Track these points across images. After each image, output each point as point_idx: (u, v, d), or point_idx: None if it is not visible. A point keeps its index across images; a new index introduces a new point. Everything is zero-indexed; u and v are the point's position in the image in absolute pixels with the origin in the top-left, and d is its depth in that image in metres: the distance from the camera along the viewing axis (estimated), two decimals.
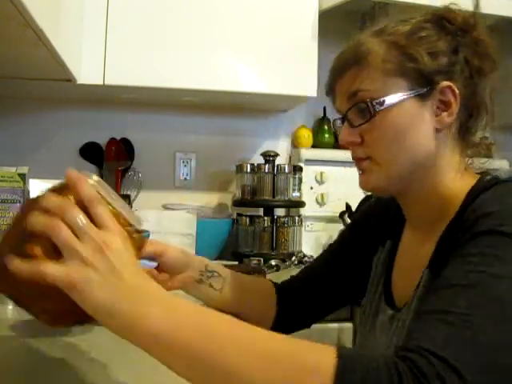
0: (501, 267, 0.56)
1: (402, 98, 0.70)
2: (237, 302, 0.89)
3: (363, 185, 0.77)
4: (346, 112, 0.74)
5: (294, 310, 0.93)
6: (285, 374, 0.49)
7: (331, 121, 2.05)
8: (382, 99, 0.70)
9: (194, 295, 0.87)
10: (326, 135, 2.05)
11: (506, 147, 2.13)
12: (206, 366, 0.49)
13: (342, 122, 0.76)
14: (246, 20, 1.68)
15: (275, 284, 0.96)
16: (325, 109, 2.06)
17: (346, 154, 1.95)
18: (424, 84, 0.70)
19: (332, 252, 0.96)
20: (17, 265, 0.51)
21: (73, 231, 0.52)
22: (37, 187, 1.46)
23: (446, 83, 0.70)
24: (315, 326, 0.95)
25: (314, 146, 2.05)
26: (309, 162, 1.99)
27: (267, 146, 2.03)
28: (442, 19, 0.73)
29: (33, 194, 1.44)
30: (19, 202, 1.32)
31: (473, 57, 0.72)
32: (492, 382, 0.50)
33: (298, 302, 0.94)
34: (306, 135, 2.04)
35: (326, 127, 2.06)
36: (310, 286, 0.94)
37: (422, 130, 0.71)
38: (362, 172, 0.76)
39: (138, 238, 0.61)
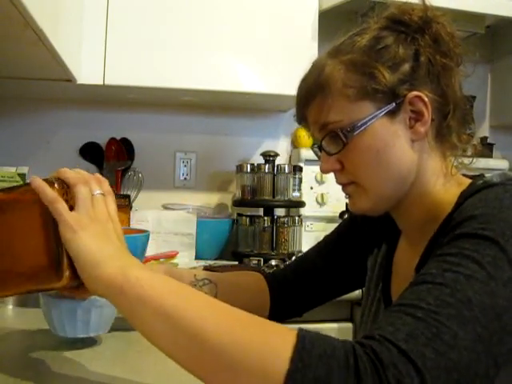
0: (476, 270, 0.55)
1: (371, 120, 0.69)
2: (232, 304, 0.89)
3: (353, 208, 0.76)
4: (320, 142, 0.73)
5: (286, 300, 0.94)
6: (250, 335, 0.51)
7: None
8: (351, 126, 0.69)
9: None
10: None
11: (506, 147, 2.14)
12: (178, 322, 0.53)
13: (320, 151, 0.75)
14: (246, 20, 1.68)
15: (266, 276, 0.96)
16: None
17: None
18: (390, 100, 0.68)
19: (327, 244, 0.97)
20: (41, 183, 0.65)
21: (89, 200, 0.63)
22: None
23: (413, 93, 0.68)
24: (315, 326, 0.95)
25: None
26: (309, 161, 1.98)
27: (267, 146, 2.03)
28: (399, 24, 0.71)
29: None
30: None
31: (435, 55, 0.69)
32: (452, 381, 0.50)
33: (290, 293, 0.94)
34: (306, 135, 2.03)
35: None
36: (303, 277, 0.95)
37: (399, 146, 0.69)
38: (349, 196, 0.75)
39: None
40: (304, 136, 2.03)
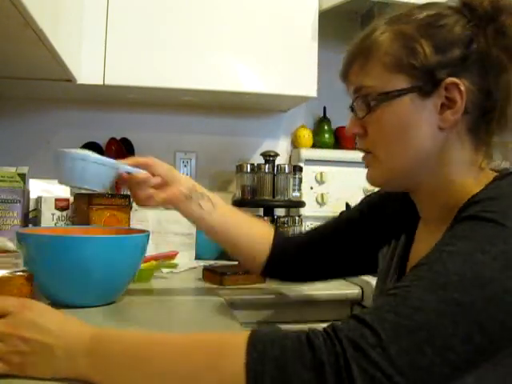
0: (462, 246, 0.55)
1: (401, 93, 0.68)
2: (225, 234, 0.98)
3: (368, 180, 0.77)
4: (352, 103, 0.74)
5: (285, 263, 0.99)
6: (205, 359, 0.54)
7: (331, 121, 2.06)
8: (381, 94, 0.69)
9: (183, 213, 0.96)
10: (326, 135, 2.05)
11: None
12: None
13: (352, 111, 0.76)
14: (246, 20, 1.68)
15: (277, 232, 1.01)
16: (325, 109, 2.06)
17: (346, 154, 1.96)
18: (426, 80, 0.67)
19: (346, 221, 0.98)
20: None
21: None
22: (37, 187, 1.47)
23: (450, 80, 0.66)
24: (315, 326, 0.95)
25: (313, 146, 2.05)
26: (309, 161, 1.98)
27: (267, 146, 2.03)
28: (467, 6, 0.69)
29: (33, 194, 1.44)
30: (19, 201, 1.33)
31: (492, 48, 0.67)
32: (417, 341, 0.49)
33: (292, 256, 0.99)
34: (306, 135, 2.04)
35: (325, 127, 2.06)
36: (312, 246, 0.98)
37: (423, 128, 0.68)
38: (367, 167, 0.77)
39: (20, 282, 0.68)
40: (304, 136, 2.03)
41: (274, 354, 0.50)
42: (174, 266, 1.40)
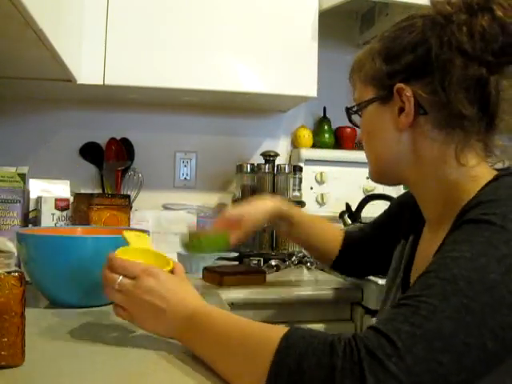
0: (466, 250, 0.56)
1: (366, 103, 0.79)
2: (302, 242, 1.27)
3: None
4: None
5: (350, 259, 1.19)
6: (237, 354, 0.61)
7: (331, 121, 2.06)
8: (357, 105, 0.81)
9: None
10: (326, 135, 2.05)
11: None
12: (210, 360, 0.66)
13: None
14: (246, 20, 1.68)
15: (345, 233, 1.22)
16: (325, 109, 2.06)
17: (345, 154, 1.97)
18: (383, 89, 0.76)
19: (384, 219, 1.13)
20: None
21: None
22: (37, 187, 1.46)
23: (398, 86, 0.73)
24: (315, 326, 0.95)
25: (314, 146, 2.05)
26: (309, 161, 1.99)
27: (267, 145, 2.03)
28: (436, 14, 0.70)
29: (33, 194, 1.44)
30: (19, 201, 1.32)
31: (441, 49, 0.68)
32: (432, 350, 0.50)
33: (355, 254, 1.18)
34: (306, 135, 2.04)
35: (326, 127, 2.06)
36: (364, 243, 1.16)
37: (388, 131, 0.77)
38: None
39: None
40: (304, 136, 2.03)
41: (299, 348, 0.53)
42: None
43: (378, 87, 0.77)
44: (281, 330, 0.57)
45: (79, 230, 1.14)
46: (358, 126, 0.86)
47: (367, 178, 2.00)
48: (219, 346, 0.65)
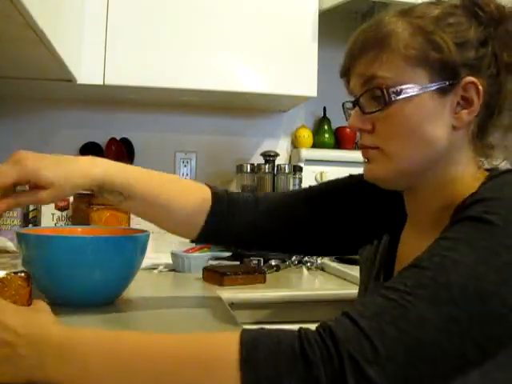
0: (466, 254, 0.54)
1: (421, 90, 0.65)
2: (145, 216, 0.87)
3: (368, 174, 0.72)
4: (359, 96, 0.69)
5: (230, 219, 0.87)
6: (192, 375, 0.50)
7: (331, 121, 2.06)
8: (399, 88, 0.65)
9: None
10: (326, 135, 2.05)
11: None
12: None
13: (353, 106, 0.71)
14: (245, 20, 1.68)
15: (214, 194, 0.88)
16: (325, 109, 2.06)
17: (345, 154, 1.95)
18: (447, 77, 0.65)
19: (331, 191, 0.90)
20: None
21: None
22: None
23: (470, 79, 0.65)
24: (314, 327, 0.94)
25: (314, 146, 2.05)
26: (309, 161, 1.98)
27: (267, 145, 2.03)
28: (475, 5, 0.67)
29: None
30: None
31: (502, 51, 0.66)
32: (412, 360, 0.49)
33: (241, 215, 0.88)
34: (306, 135, 2.04)
35: (326, 127, 2.06)
36: (277, 216, 0.88)
37: (439, 127, 0.66)
38: (368, 161, 0.71)
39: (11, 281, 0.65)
40: (304, 136, 2.03)
41: (269, 376, 0.48)
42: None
43: (438, 73, 0.65)
44: (227, 350, 0.50)
45: (79, 230, 1.14)
46: (366, 112, 0.69)
47: None
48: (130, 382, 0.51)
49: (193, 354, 0.52)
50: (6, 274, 0.63)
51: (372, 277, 0.82)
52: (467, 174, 0.69)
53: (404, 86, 0.65)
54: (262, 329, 0.53)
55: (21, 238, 0.96)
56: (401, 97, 0.65)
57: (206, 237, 0.90)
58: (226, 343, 0.51)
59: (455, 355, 0.51)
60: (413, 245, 0.75)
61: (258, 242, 0.91)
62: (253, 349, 0.50)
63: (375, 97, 0.67)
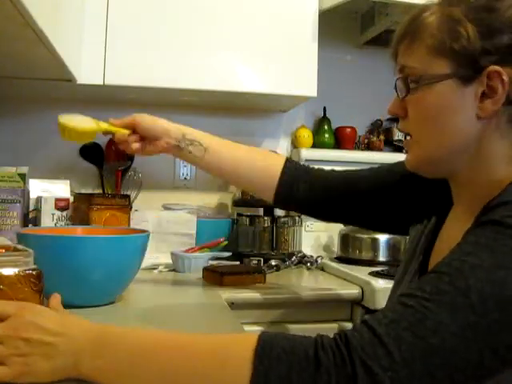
0: (486, 259, 0.53)
1: (442, 78, 0.66)
2: (223, 173, 1.04)
3: (406, 163, 0.75)
4: (395, 82, 0.73)
5: (298, 197, 1.01)
6: (209, 369, 0.53)
7: (331, 121, 2.06)
8: (421, 77, 0.68)
9: (181, 159, 1.08)
10: (326, 135, 2.05)
11: None
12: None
13: (395, 89, 0.74)
14: (245, 20, 1.68)
15: (288, 163, 1.03)
16: (325, 109, 2.06)
17: (345, 154, 1.96)
18: (468, 66, 0.65)
19: (386, 174, 0.97)
20: None
21: None
22: (37, 187, 1.47)
23: (493, 68, 0.64)
24: (315, 327, 0.94)
25: (314, 146, 2.05)
26: (309, 162, 1.97)
27: (267, 145, 2.03)
28: None
29: (33, 194, 1.44)
30: (19, 201, 1.33)
31: None
32: (429, 366, 0.49)
33: (315, 192, 1.00)
34: (306, 135, 2.04)
35: (326, 127, 2.06)
36: (342, 187, 0.98)
37: (461, 115, 0.66)
38: (407, 151, 0.75)
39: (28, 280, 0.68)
40: (304, 136, 2.03)
41: (280, 373, 0.49)
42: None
43: (460, 62, 0.65)
44: (243, 346, 0.52)
45: (79, 230, 1.14)
46: (399, 97, 0.72)
47: None
48: (152, 374, 0.55)
49: (212, 349, 0.55)
50: (19, 271, 0.64)
51: (415, 255, 0.82)
52: (501, 168, 0.68)
53: (425, 75, 0.68)
54: (281, 332, 0.54)
55: (21, 239, 0.96)
56: (423, 84, 0.68)
57: (281, 193, 1.01)
58: (244, 341, 0.53)
59: (472, 362, 0.50)
60: (452, 230, 0.75)
61: (319, 211, 1.03)
62: (268, 347, 0.51)
63: (405, 84, 0.71)
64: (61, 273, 0.91)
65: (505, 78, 0.64)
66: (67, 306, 0.92)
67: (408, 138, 0.74)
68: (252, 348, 0.51)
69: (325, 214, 1.04)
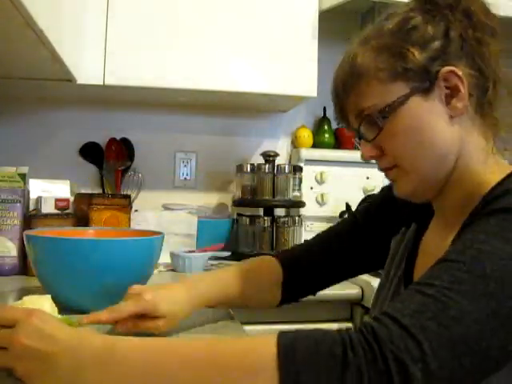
0: (500, 246, 0.54)
1: (404, 100, 0.68)
2: (245, 290, 0.92)
3: (397, 193, 0.75)
4: (358, 129, 0.73)
5: (299, 279, 0.95)
6: (233, 381, 0.51)
7: (331, 121, 2.06)
8: (385, 108, 0.69)
9: None
10: (326, 135, 2.05)
11: None
12: None
13: (359, 139, 0.75)
14: (245, 20, 1.68)
15: (278, 256, 0.96)
16: (325, 109, 2.06)
17: (345, 154, 1.95)
18: (423, 78, 0.68)
19: (352, 224, 0.95)
20: None
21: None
22: (37, 187, 1.47)
23: (446, 69, 0.67)
24: (315, 327, 0.94)
25: (314, 146, 2.05)
26: (309, 161, 1.99)
27: (267, 146, 2.03)
28: (427, 3, 0.70)
29: (33, 194, 1.44)
30: (19, 201, 1.32)
31: (467, 30, 0.68)
32: (457, 355, 0.49)
33: (302, 272, 0.94)
34: (306, 135, 2.04)
35: (326, 127, 2.06)
36: (317, 256, 0.94)
37: (437, 124, 0.68)
38: (394, 181, 0.75)
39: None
40: (304, 136, 2.03)
41: (308, 378, 0.48)
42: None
43: (414, 79, 0.68)
44: (264, 357, 0.50)
45: (89, 232, 1.13)
46: (369, 140, 0.72)
47: (367, 178, 2.00)
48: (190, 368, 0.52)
49: (234, 361, 0.52)
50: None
51: (394, 261, 0.83)
52: (482, 161, 0.70)
53: (388, 103, 0.69)
54: (298, 330, 0.53)
55: (31, 241, 0.95)
56: (390, 114, 0.69)
57: (287, 300, 0.96)
58: (264, 348, 0.51)
59: (496, 349, 0.51)
60: (437, 235, 0.77)
61: (323, 283, 0.98)
62: (291, 352, 0.50)
63: (370, 124, 0.71)
64: (72, 276, 0.90)
65: (459, 72, 0.67)
66: (78, 310, 0.92)
67: (391, 172, 0.74)
68: (273, 355, 0.50)
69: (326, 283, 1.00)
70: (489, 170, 0.69)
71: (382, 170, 0.75)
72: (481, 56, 0.69)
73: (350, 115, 0.75)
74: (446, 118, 0.68)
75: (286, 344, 0.50)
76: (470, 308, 0.51)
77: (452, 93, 0.68)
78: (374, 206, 0.94)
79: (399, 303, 0.53)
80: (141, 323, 0.78)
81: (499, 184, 0.64)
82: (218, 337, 0.55)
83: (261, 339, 0.53)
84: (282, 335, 0.52)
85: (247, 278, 0.93)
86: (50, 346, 0.55)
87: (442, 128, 0.68)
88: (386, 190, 0.92)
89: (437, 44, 0.68)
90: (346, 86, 0.73)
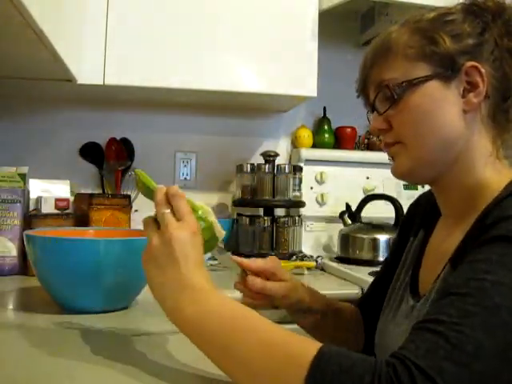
0: (504, 275, 0.53)
1: (424, 80, 0.70)
2: (328, 337, 0.94)
3: (394, 171, 0.76)
4: (373, 100, 0.75)
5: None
6: (273, 359, 0.55)
7: (331, 121, 2.06)
8: (402, 83, 0.71)
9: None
10: (326, 135, 2.05)
11: None
12: (223, 350, 0.59)
13: (372, 112, 0.77)
14: (245, 20, 1.68)
15: (360, 307, 0.99)
16: (325, 109, 2.06)
17: (345, 154, 1.95)
18: (447, 66, 0.70)
19: (385, 266, 0.99)
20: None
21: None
22: (37, 187, 1.47)
23: (470, 63, 0.69)
24: None
25: (314, 146, 2.05)
26: (309, 161, 1.99)
27: (267, 145, 2.03)
28: (472, 5, 0.72)
29: (33, 194, 1.44)
30: (19, 201, 1.32)
31: (502, 37, 0.70)
32: None
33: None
34: (306, 135, 2.04)
35: (326, 127, 2.06)
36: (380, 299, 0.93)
37: (448, 112, 0.70)
38: (392, 158, 0.77)
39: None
40: (304, 136, 2.03)
41: None
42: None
43: (438, 64, 0.70)
44: (304, 354, 0.53)
45: (90, 232, 1.12)
46: (381, 113, 0.74)
47: (367, 178, 2.00)
48: (228, 350, 0.58)
49: (285, 349, 0.56)
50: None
51: (404, 269, 0.84)
52: (485, 163, 0.71)
53: (408, 80, 0.71)
54: (344, 349, 0.53)
55: (30, 240, 0.94)
56: (405, 90, 0.71)
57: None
58: (307, 346, 0.54)
59: (510, 380, 0.50)
60: (440, 237, 0.78)
61: None
62: (325, 361, 0.51)
63: (385, 97, 0.73)
64: (72, 276, 0.90)
65: (482, 70, 0.69)
66: (79, 311, 0.91)
67: (393, 147, 0.75)
68: (311, 356, 0.51)
69: None
70: (493, 172, 0.70)
71: (384, 145, 0.77)
72: (509, 64, 0.70)
73: (371, 87, 0.77)
74: (458, 109, 0.70)
75: (324, 352, 0.52)
76: (487, 343, 0.49)
77: (471, 88, 0.69)
78: (395, 241, 0.97)
79: (411, 343, 0.51)
80: (268, 282, 0.88)
81: (502, 198, 0.63)
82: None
83: (307, 340, 0.56)
84: (327, 345, 0.53)
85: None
86: (182, 259, 0.63)
87: (452, 117, 0.70)
88: (402, 222, 0.96)
89: (470, 41, 0.70)
90: (374, 57, 0.76)
